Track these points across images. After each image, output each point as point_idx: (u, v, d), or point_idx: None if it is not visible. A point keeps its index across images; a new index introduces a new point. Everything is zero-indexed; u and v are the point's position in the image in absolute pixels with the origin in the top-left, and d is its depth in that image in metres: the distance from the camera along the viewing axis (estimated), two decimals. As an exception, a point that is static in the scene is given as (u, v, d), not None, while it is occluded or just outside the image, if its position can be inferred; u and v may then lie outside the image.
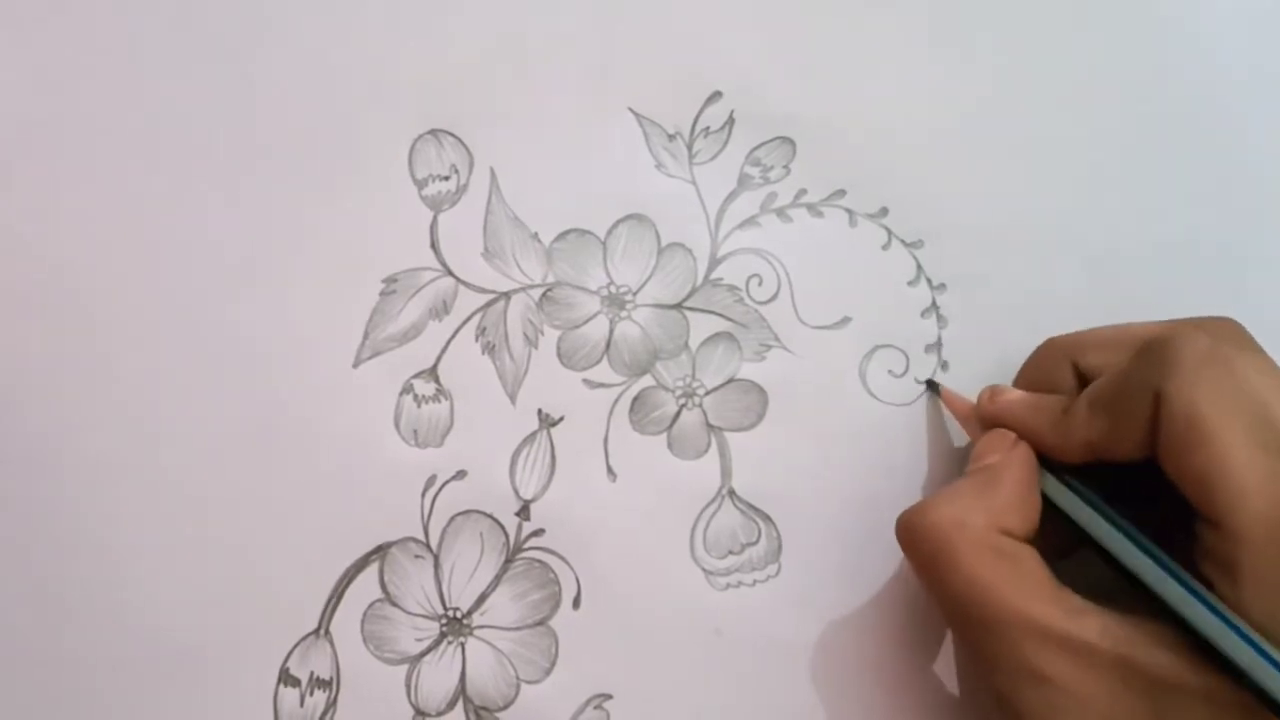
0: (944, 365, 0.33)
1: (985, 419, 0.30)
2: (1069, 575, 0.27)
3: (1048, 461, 0.29)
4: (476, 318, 0.32)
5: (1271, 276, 0.34)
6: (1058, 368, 0.30)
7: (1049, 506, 0.28)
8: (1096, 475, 0.28)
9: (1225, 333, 0.27)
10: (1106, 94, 0.35)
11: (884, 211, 0.34)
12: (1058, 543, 0.28)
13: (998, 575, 0.26)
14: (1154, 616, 0.25)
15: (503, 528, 0.31)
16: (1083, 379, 0.29)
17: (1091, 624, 0.25)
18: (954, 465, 0.33)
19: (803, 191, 0.34)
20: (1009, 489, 0.28)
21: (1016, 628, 0.25)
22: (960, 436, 0.32)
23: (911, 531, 0.28)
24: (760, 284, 0.33)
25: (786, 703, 0.31)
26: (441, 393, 0.32)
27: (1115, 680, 0.25)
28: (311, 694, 0.30)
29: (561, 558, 0.31)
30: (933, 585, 0.27)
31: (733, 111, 0.34)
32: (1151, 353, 0.26)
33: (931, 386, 0.33)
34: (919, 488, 0.32)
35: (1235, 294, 0.34)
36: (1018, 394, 0.30)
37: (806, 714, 0.31)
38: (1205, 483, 0.25)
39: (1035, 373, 0.31)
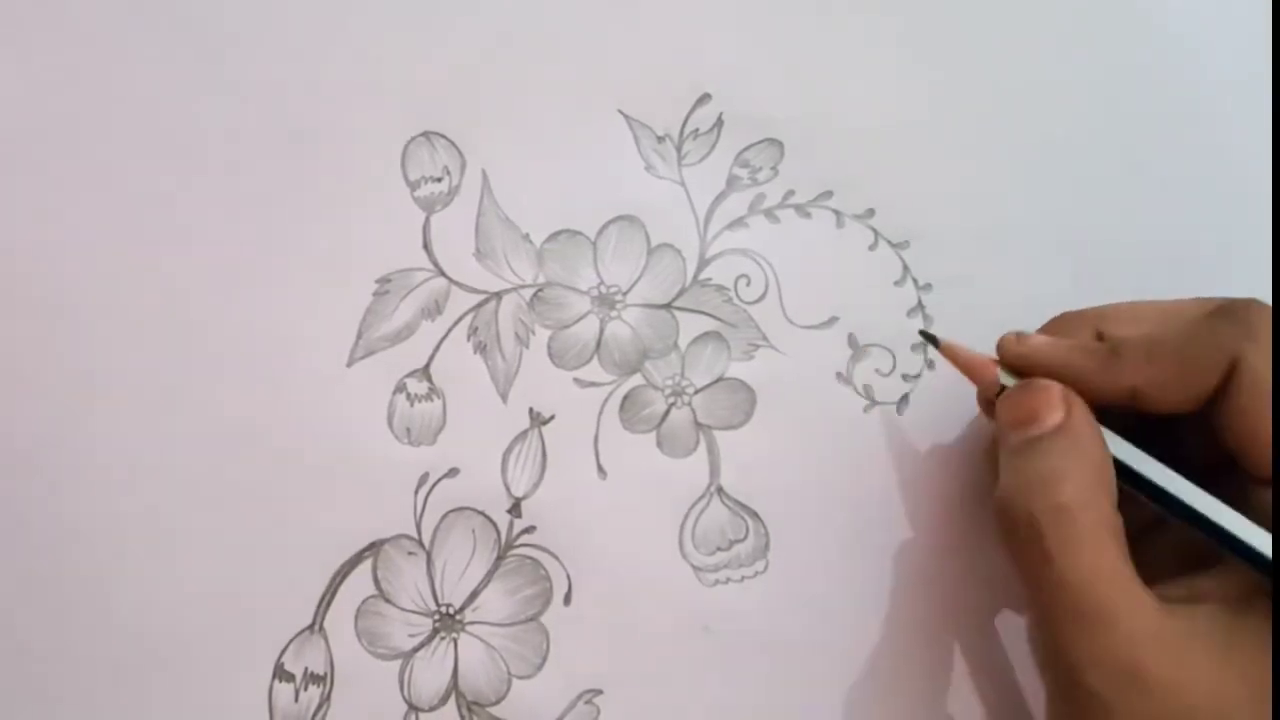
0: (930, 364, 0.33)
1: (1012, 361, 0.29)
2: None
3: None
4: (468, 318, 0.33)
5: (1257, 276, 0.35)
6: (1081, 333, 0.29)
7: None
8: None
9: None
10: (1093, 95, 0.35)
11: (871, 212, 0.34)
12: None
13: (1117, 565, 0.25)
14: (1226, 579, 0.25)
15: (494, 525, 0.32)
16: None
17: (1199, 615, 0.25)
18: (939, 464, 0.33)
19: (790, 193, 0.34)
20: (1102, 454, 0.26)
21: (1129, 623, 0.24)
22: (949, 432, 0.33)
23: (1024, 517, 0.25)
24: (748, 284, 0.34)
25: (774, 698, 0.31)
26: (434, 391, 0.32)
27: (1214, 672, 0.24)
28: (306, 689, 0.30)
29: (552, 554, 0.32)
30: (1037, 572, 0.25)
31: (721, 114, 0.34)
32: (1230, 316, 0.27)
33: (928, 339, 0.31)
34: (907, 485, 0.33)
35: (1221, 293, 0.34)
36: (1047, 337, 0.29)
37: (794, 709, 0.31)
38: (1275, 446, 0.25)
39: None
